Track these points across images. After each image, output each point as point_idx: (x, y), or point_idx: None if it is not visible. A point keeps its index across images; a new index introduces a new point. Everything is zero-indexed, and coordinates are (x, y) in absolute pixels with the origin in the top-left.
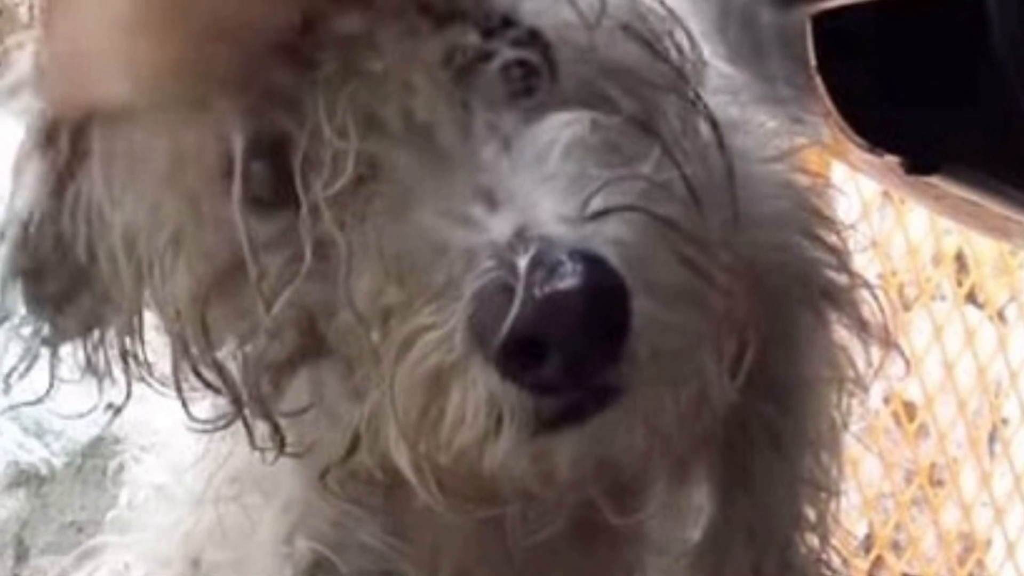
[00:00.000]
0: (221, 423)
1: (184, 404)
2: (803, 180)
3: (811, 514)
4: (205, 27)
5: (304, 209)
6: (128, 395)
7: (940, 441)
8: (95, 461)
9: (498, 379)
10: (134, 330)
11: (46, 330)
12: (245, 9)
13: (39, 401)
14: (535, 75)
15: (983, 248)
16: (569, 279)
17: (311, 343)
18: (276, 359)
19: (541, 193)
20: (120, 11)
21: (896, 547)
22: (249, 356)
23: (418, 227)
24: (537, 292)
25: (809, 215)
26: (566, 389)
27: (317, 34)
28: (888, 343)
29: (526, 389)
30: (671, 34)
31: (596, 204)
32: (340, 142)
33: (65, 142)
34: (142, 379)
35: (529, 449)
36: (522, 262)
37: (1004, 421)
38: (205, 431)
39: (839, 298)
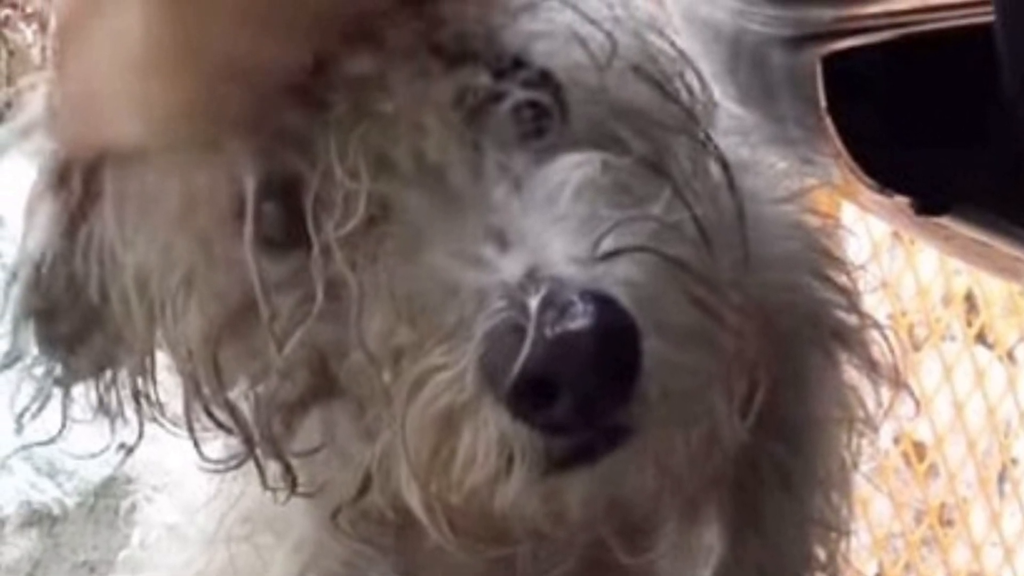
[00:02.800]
0: (233, 463)
1: (196, 444)
2: (813, 221)
3: (821, 554)
4: (217, 68)
5: (316, 250)
6: (140, 435)
7: (950, 481)
8: (107, 501)
9: (509, 419)
10: (146, 370)
11: (58, 370)
12: (257, 51)
13: (51, 441)
14: (546, 116)
15: (993, 289)
16: (580, 320)
17: (323, 383)
18: (288, 399)
19: (552, 234)
20: (132, 52)
21: None
22: (261, 396)
23: (429, 268)
24: (548, 332)
25: (819, 256)
26: (577, 429)
27: (329, 75)
28: (898, 383)
29: (537, 429)
30: (682, 75)
31: (607, 245)
32: (352, 183)
33: (77, 183)
34: (154, 419)
35: (540, 489)
36: (533, 302)
37: (1014, 461)
38: (217, 471)
39: (849, 338)
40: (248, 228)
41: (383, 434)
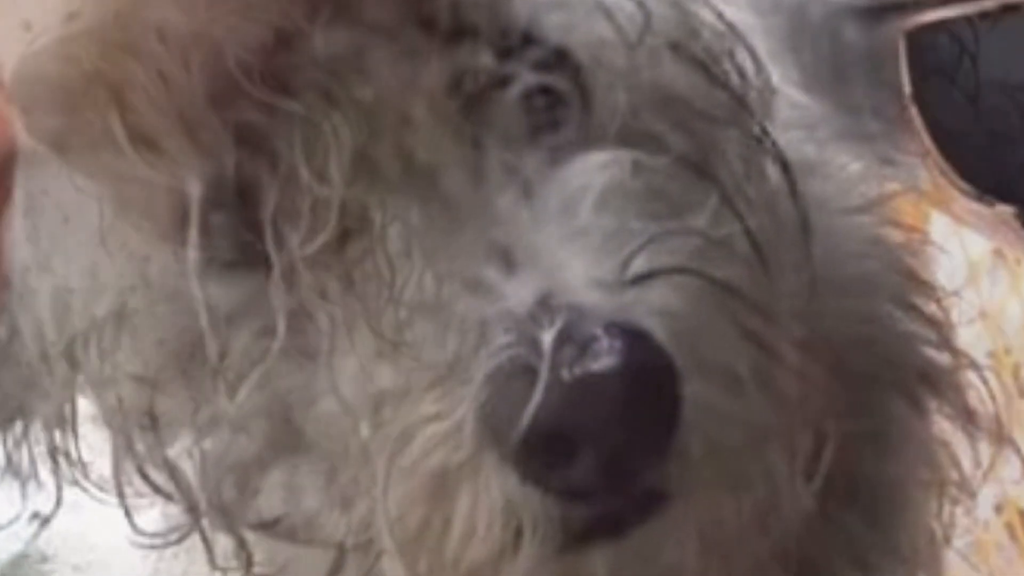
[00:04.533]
0: (173, 537)
1: (127, 514)
2: (895, 235)
3: None
4: (153, 46)
5: (277, 272)
6: (58, 502)
7: None
8: None
9: (517, 482)
10: (65, 422)
11: None
12: (204, 25)
13: None
14: (563, 105)
15: None
16: (605, 358)
17: (285, 438)
18: (242, 458)
19: (570, 252)
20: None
21: None
22: (209, 454)
23: (417, 294)
24: (565, 375)
25: (902, 279)
26: (601, 494)
27: (293, 55)
28: (1000, 437)
29: (551, 494)
30: (731, 55)
31: (638, 265)
32: (321, 188)
33: None
34: (75, 483)
35: (555, 568)
36: (546, 337)
37: None
38: (154, 547)
39: (939, 382)
40: (192, 245)
41: (360, 501)
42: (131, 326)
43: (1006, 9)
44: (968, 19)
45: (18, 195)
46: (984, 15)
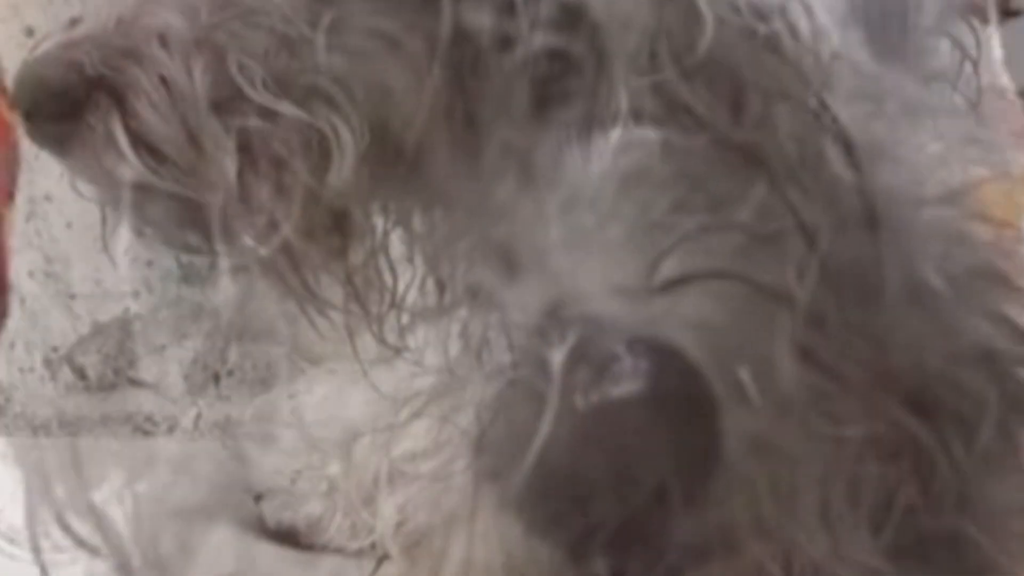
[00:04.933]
0: None
1: (44, 571)
2: (983, 232)
3: None
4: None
5: (227, 275)
6: None
7: None
8: None
9: (521, 533)
10: None
11: None
12: None
13: None
14: (576, 73)
15: None
16: (627, 382)
17: (237, 481)
18: (184, 503)
19: (584, 252)
20: None
21: None
22: (144, 498)
23: (401, 303)
24: (579, 402)
25: (991, 285)
26: (623, 547)
27: (243, 13)
28: None
29: (562, 548)
30: (783, 12)
31: (669, 269)
32: (280, 175)
33: None
34: None
35: None
36: (556, 356)
37: None
38: None
39: None
40: (123, 242)
41: (328, 556)
42: (133, 331)
43: (1007, 14)
44: (969, 24)
45: (20, 200)
46: (985, 19)
